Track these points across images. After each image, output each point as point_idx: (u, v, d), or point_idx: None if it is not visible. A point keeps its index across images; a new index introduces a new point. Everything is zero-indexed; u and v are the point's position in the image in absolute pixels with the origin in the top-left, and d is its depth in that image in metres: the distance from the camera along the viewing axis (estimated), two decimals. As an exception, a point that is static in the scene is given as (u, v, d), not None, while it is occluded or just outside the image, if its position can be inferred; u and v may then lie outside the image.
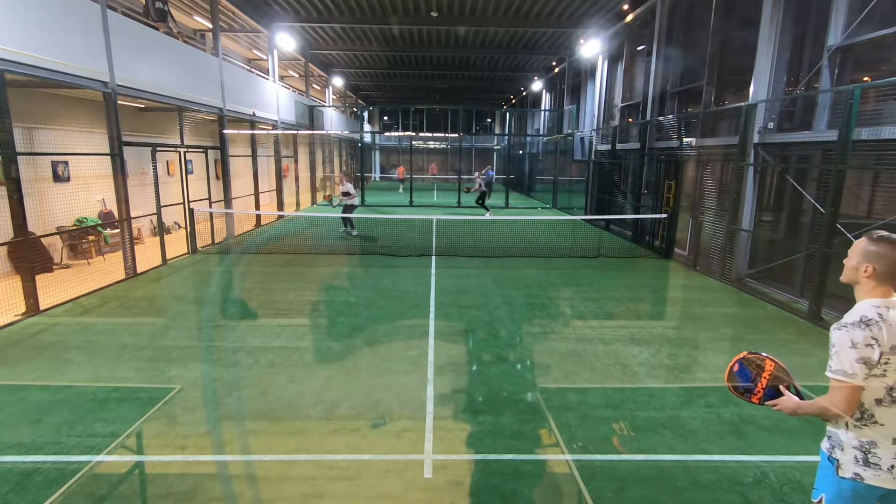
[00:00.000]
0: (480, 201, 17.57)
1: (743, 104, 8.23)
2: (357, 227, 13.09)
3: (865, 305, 1.87)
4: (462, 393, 4.43)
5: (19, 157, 6.28)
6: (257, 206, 14.37)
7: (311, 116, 20.08)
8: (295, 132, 18.16)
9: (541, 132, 26.24)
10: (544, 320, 6.44)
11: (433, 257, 10.16)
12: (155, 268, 8.91)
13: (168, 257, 9.39)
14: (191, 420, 3.93)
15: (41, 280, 6.69)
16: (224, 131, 12.17)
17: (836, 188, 6.23)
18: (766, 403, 2.04)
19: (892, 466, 1.82)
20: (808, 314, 6.63)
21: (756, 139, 7.99)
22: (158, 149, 9.21)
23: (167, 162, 12.64)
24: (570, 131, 19.44)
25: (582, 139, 18.04)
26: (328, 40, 20.07)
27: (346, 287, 8.07)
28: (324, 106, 23.03)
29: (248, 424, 3.84)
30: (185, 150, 10.15)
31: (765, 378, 2.01)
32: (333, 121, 24.46)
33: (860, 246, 1.93)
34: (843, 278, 2.00)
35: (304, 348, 5.37)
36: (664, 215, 10.52)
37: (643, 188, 12.28)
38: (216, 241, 11.27)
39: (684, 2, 11.74)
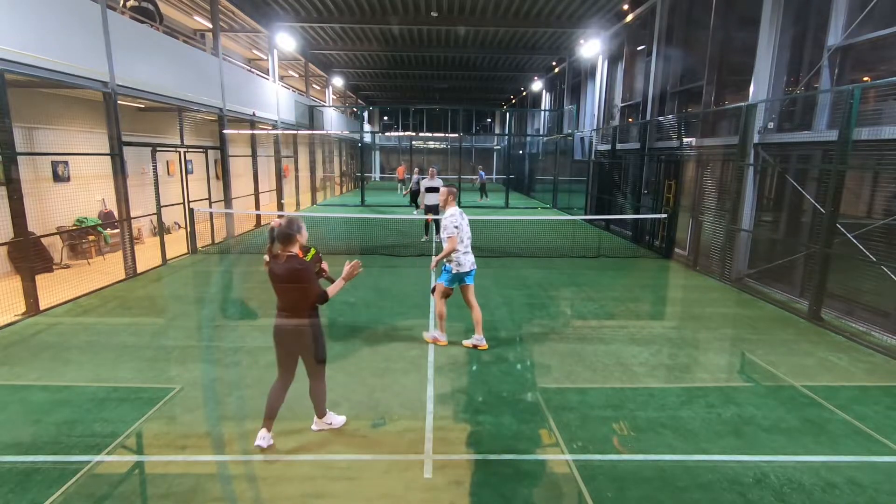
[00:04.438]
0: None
1: (743, 104, 8.23)
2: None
3: (451, 209, 5.23)
4: (462, 393, 4.43)
5: (19, 157, 6.28)
6: (257, 206, 14.36)
7: (311, 116, 20.07)
8: (295, 132, 18.16)
9: (541, 132, 26.24)
10: (544, 320, 6.44)
11: (433, 257, 10.14)
12: (155, 268, 8.91)
13: (168, 257, 9.40)
14: (191, 420, 3.93)
15: (41, 280, 6.70)
16: (224, 131, 12.17)
17: (835, 188, 6.23)
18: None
19: (466, 264, 5.19)
20: (808, 314, 6.62)
21: (756, 139, 7.99)
22: (158, 149, 9.21)
23: (167, 162, 12.63)
24: (570, 131, 19.45)
25: (582, 139, 18.05)
26: (328, 40, 20.08)
27: (346, 287, 8.06)
28: (324, 106, 23.02)
29: (248, 424, 3.84)
30: (185, 150, 10.14)
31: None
32: (333, 121, 24.46)
33: (443, 190, 5.30)
34: (441, 205, 5.37)
35: (304, 348, 5.36)
36: (664, 215, 10.52)
37: (643, 188, 12.28)
38: (216, 241, 11.28)
39: (684, 2, 11.74)
